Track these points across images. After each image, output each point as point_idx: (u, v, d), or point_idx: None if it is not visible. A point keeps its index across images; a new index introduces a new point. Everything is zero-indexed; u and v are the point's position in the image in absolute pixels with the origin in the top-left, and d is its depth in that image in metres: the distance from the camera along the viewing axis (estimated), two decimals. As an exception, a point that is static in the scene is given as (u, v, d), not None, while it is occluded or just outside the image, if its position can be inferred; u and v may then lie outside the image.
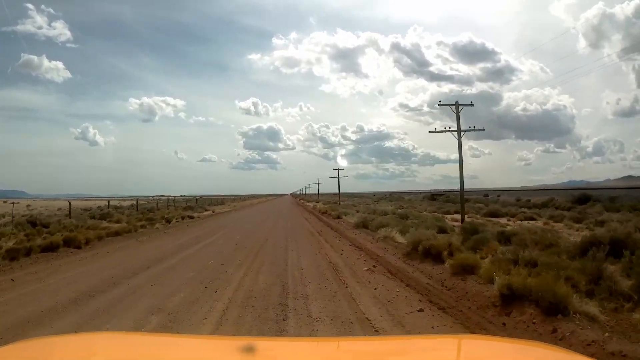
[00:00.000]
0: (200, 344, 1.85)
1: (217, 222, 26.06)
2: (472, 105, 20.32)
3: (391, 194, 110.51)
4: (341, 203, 48.58)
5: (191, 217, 28.04)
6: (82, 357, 1.47)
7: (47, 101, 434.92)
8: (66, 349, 1.55)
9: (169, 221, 23.42)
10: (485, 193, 78.92)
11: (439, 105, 20.47)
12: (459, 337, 2.58)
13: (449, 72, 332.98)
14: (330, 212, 30.69)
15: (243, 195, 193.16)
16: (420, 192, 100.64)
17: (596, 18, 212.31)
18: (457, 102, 20.06)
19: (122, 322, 5.55)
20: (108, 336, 2.31)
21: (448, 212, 29.98)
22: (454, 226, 15.71)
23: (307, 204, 62.06)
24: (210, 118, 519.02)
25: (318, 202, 64.59)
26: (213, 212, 38.23)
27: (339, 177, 53.62)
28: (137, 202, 43.89)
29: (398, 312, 6.04)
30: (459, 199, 25.41)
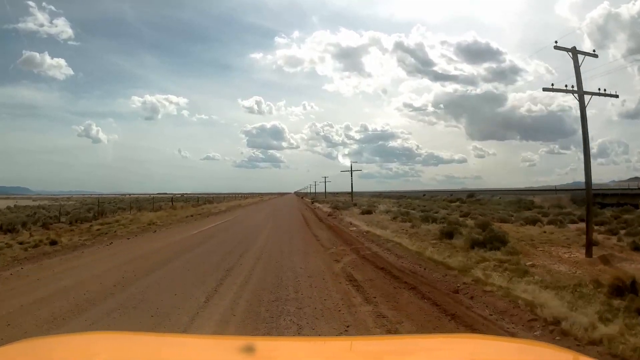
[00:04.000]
0: (200, 344, 1.80)
1: None
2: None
3: (451, 193, 71.22)
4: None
5: None
6: (82, 357, 1.45)
7: (50, 99, 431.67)
8: (66, 349, 1.52)
9: None
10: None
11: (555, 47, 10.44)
12: (459, 337, 2.72)
13: (453, 72, 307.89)
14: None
15: (243, 194, 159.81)
16: (557, 191, 56.74)
17: (601, 18, 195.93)
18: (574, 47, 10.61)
19: None
20: (108, 336, 2.12)
21: None
22: None
23: (344, 217, 22.80)
24: (214, 116, 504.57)
25: (370, 212, 25.61)
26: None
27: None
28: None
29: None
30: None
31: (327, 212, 31.09)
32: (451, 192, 77.01)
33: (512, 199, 49.57)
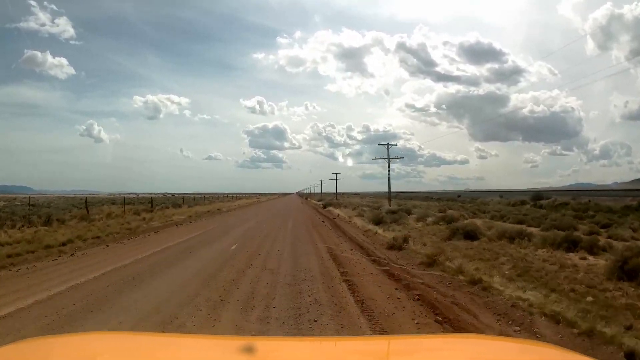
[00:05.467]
0: (200, 344, 1.76)
1: None
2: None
3: (501, 194, 55.87)
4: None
5: None
6: (82, 357, 1.43)
7: (52, 98, 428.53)
8: (66, 349, 1.50)
9: None
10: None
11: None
12: (461, 337, 2.70)
13: (456, 73, 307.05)
14: None
15: (245, 194, 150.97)
16: None
17: (604, 19, 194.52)
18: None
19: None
20: (108, 336, 2.12)
21: None
22: None
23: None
24: (216, 116, 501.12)
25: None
26: None
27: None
28: None
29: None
30: None
31: (371, 232, 15.47)
32: (501, 194, 61.82)
33: (607, 204, 34.62)
